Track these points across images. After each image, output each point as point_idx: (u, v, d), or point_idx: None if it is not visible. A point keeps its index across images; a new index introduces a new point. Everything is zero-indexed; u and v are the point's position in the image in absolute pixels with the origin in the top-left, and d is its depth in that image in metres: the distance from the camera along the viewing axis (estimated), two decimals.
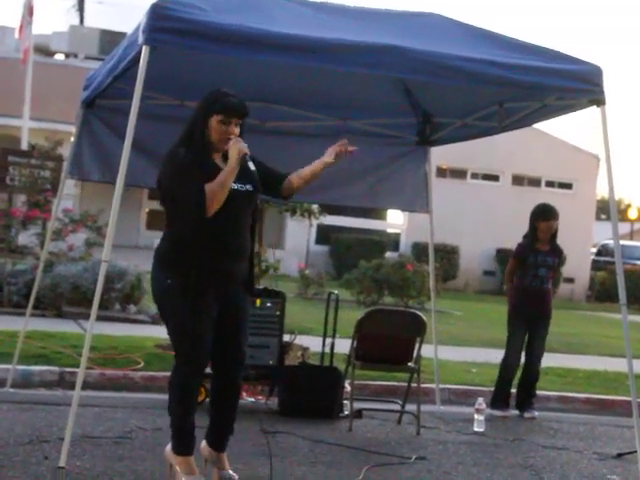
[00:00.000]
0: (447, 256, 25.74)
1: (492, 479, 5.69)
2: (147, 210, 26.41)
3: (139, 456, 5.41)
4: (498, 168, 28.45)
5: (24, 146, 15.46)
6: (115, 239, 5.10)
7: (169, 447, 4.75)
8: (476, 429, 7.07)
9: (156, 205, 5.85)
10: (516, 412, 7.96)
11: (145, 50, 4.85)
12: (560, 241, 8.17)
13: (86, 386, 6.81)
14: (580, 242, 27.07)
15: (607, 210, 43.87)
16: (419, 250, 24.75)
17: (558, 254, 8.10)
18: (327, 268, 24.08)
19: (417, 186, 8.15)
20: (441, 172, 27.21)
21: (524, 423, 7.72)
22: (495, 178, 28.87)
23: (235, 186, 4.59)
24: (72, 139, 7.37)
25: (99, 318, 5.53)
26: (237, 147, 4.55)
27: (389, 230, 28.58)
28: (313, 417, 6.87)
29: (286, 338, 7.44)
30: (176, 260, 4.59)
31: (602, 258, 30.58)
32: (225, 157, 4.64)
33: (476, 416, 7.11)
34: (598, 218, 36.16)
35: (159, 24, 4.82)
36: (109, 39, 29.80)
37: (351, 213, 26.25)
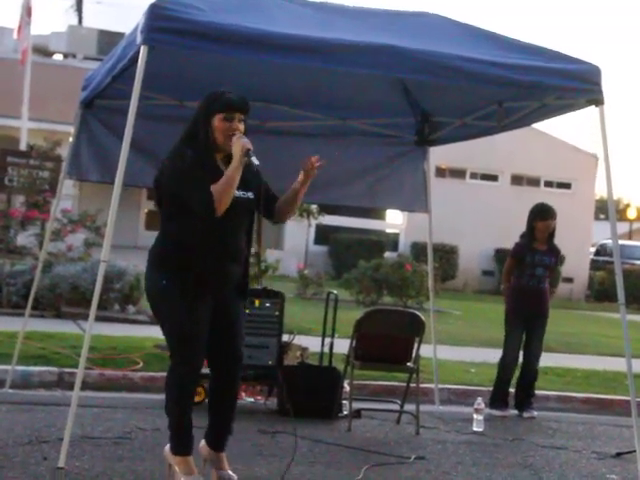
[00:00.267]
0: (446, 256, 25.74)
1: (491, 479, 5.68)
2: (146, 210, 26.38)
3: (138, 456, 5.41)
4: (497, 168, 28.47)
5: (23, 146, 15.49)
6: (114, 239, 5.10)
7: (168, 447, 4.74)
8: (475, 429, 7.06)
9: None
10: (515, 412, 7.96)
11: (143, 50, 4.85)
12: (559, 241, 8.18)
13: (85, 386, 6.80)
14: (579, 242, 27.12)
15: (606, 210, 43.88)
16: (418, 250, 24.77)
17: (555, 254, 8.10)
18: (326, 268, 24.08)
19: (416, 186, 8.15)
20: (440, 172, 27.24)
21: (523, 423, 7.72)
22: (494, 178, 28.89)
23: (237, 193, 4.58)
24: (71, 139, 7.35)
25: (98, 318, 5.52)
26: (240, 143, 4.54)
27: (388, 230, 28.58)
28: (312, 417, 6.87)
29: (285, 338, 7.43)
30: (173, 261, 4.58)
31: (601, 258, 30.55)
32: (227, 158, 4.62)
33: (475, 416, 7.10)
34: (597, 218, 36.23)
35: (157, 24, 4.82)
36: (108, 39, 29.82)
37: (350, 213, 26.24)
